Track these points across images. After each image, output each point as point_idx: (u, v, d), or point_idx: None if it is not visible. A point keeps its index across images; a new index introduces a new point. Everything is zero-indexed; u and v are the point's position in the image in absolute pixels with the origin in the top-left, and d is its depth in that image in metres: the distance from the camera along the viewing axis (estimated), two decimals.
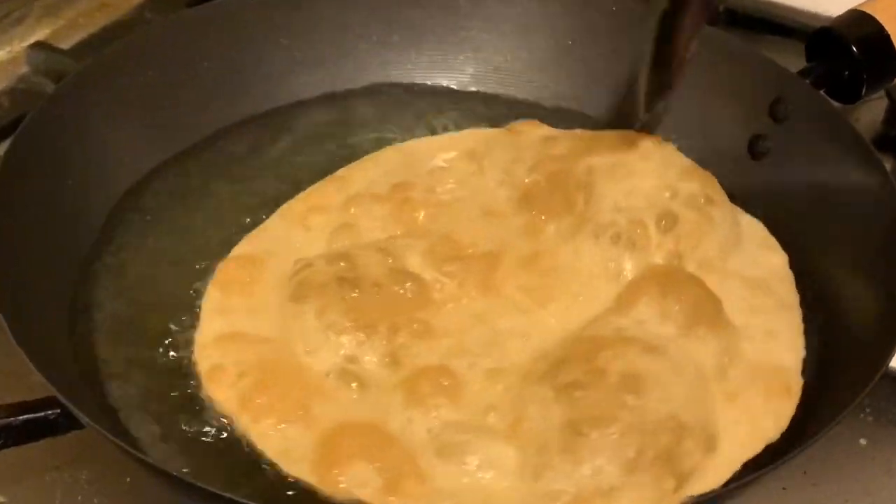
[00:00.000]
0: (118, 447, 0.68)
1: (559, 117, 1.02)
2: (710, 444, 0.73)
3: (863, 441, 0.87)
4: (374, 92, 1.05)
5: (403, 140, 1.00)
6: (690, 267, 0.85)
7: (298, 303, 0.81)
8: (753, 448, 0.75)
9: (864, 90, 0.99)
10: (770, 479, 0.80)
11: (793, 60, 1.00)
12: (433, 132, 1.02)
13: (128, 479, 0.80)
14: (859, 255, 0.86)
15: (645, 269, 0.84)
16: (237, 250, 0.88)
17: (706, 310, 0.81)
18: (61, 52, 1.10)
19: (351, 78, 1.05)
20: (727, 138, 0.98)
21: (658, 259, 0.85)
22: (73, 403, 0.68)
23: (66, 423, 0.72)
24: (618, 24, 1.03)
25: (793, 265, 0.89)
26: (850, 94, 1.00)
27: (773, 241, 0.90)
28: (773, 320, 0.84)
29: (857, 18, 0.99)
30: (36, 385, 0.71)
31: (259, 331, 0.81)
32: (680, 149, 0.93)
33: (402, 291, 0.82)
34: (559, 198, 0.89)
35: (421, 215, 0.90)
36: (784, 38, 1.19)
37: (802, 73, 0.98)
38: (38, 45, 1.11)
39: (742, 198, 0.94)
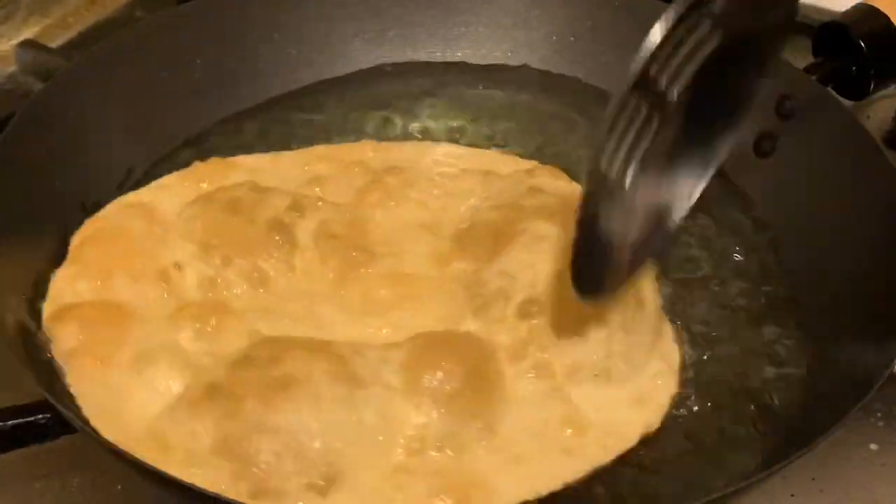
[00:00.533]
0: (113, 452, 0.67)
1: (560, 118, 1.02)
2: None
3: (873, 446, 0.85)
4: (368, 86, 1.05)
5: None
6: (528, 363, 0.78)
7: (190, 206, 0.86)
8: None
9: (872, 86, 0.99)
10: (778, 485, 0.80)
11: (799, 56, 0.99)
12: (425, 128, 1.02)
13: (119, 486, 0.79)
14: (866, 254, 0.85)
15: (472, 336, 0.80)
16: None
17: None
18: (50, 50, 1.09)
19: (344, 72, 1.05)
20: None
21: (502, 338, 0.79)
22: (66, 407, 0.67)
23: (56, 428, 0.70)
24: (621, 18, 1.02)
25: (795, 264, 0.89)
26: (858, 91, 0.99)
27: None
28: None
29: (865, 13, 0.98)
30: (25, 389, 0.69)
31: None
32: None
33: (271, 236, 0.84)
34: (485, 245, 0.85)
35: (374, 197, 0.90)
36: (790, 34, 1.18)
37: (809, 70, 0.97)
38: (27, 44, 1.10)
39: (748, 196, 0.94)
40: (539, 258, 0.81)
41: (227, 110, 1.00)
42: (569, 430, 0.75)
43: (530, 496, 0.72)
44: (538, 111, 1.04)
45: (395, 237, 0.88)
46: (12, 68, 1.11)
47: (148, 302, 0.80)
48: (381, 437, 0.72)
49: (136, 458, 0.66)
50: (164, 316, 0.79)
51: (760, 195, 0.94)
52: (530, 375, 0.77)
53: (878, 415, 0.87)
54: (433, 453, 0.72)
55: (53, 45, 1.14)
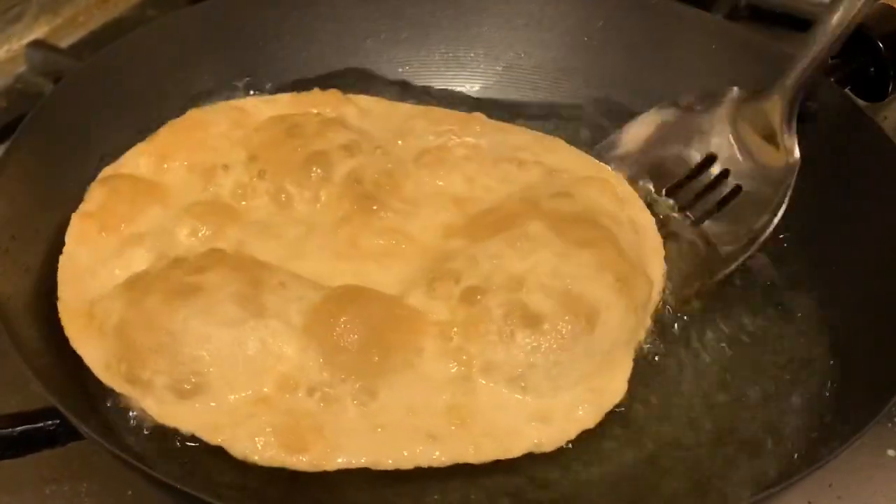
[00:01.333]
0: (121, 460, 0.66)
1: (573, 116, 1.02)
2: None
3: (891, 452, 0.85)
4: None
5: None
6: (452, 346, 0.78)
7: (266, 121, 0.93)
8: None
9: (890, 88, 0.98)
10: (795, 492, 0.79)
11: None
12: None
13: (129, 492, 0.78)
14: (884, 256, 0.84)
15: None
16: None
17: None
18: (60, 50, 1.09)
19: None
20: None
21: (439, 315, 0.78)
22: (74, 414, 0.67)
23: (65, 435, 0.70)
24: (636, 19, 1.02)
25: (814, 266, 0.88)
26: (877, 92, 0.99)
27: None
28: None
29: (884, 14, 0.98)
30: (33, 395, 0.69)
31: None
32: None
33: (310, 166, 0.88)
34: (487, 229, 0.85)
35: (428, 158, 0.92)
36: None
37: (827, 71, 0.95)
38: (37, 44, 1.10)
39: None
40: (509, 253, 0.81)
41: None
42: (455, 419, 0.75)
43: (369, 465, 0.72)
44: None
45: (421, 200, 0.89)
46: (22, 69, 1.11)
47: (183, 192, 0.87)
48: (256, 366, 0.74)
49: (142, 466, 0.66)
50: (184, 207, 0.85)
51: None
52: (448, 357, 0.77)
53: None
54: (302, 396, 0.74)
55: (63, 45, 1.13)
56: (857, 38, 0.97)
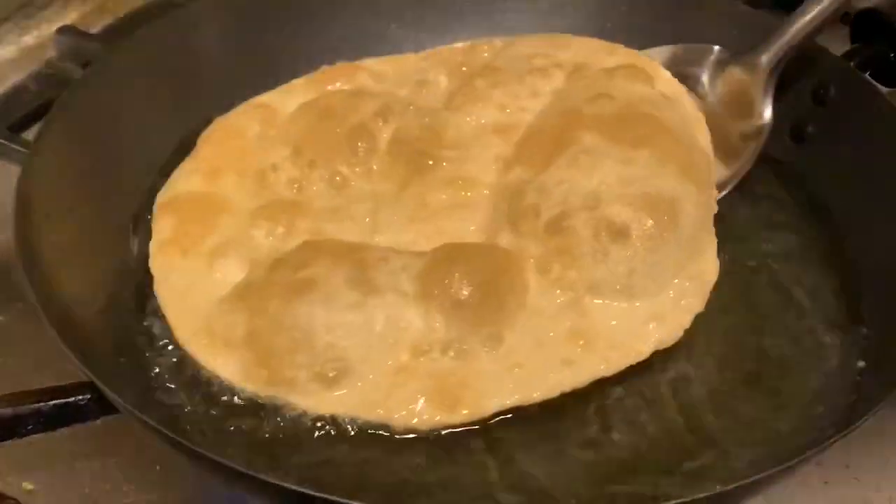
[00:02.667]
0: (153, 430, 0.67)
1: None
2: None
3: None
4: None
5: None
6: (553, 276, 0.81)
7: (294, 112, 0.94)
8: None
9: None
10: (812, 473, 0.80)
11: (836, 43, 0.99)
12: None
13: (158, 467, 0.80)
14: None
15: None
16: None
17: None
18: (89, 36, 1.09)
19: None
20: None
21: (532, 250, 0.81)
22: (111, 388, 0.68)
23: (96, 409, 0.71)
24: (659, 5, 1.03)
25: (835, 250, 0.88)
26: None
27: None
28: None
29: None
30: (65, 371, 0.70)
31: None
32: None
33: (354, 142, 0.89)
34: (542, 152, 0.87)
35: (458, 101, 0.94)
36: None
37: (846, 56, 0.96)
38: (66, 30, 1.10)
39: (785, 181, 0.94)
40: (574, 174, 0.83)
41: None
42: (579, 342, 0.78)
43: (521, 402, 0.75)
44: None
45: (467, 142, 0.91)
46: (51, 54, 1.11)
47: (243, 199, 0.88)
48: (388, 339, 0.77)
49: (173, 436, 0.67)
50: (250, 212, 0.86)
51: (796, 180, 0.94)
52: (553, 287, 0.80)
53: None
54: (437, 356, 0.77)
55: (93, 30, 1.13)
56: (877, 24, 0.97)
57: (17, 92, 1.00)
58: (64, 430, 0.72)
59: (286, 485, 0.64)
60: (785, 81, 0.94)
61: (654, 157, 0.83)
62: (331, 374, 0.75)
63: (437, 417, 0.74)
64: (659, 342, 0.79)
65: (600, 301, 0.80)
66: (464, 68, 0.97)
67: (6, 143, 0.95)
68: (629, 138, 0.84)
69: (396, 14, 1.05)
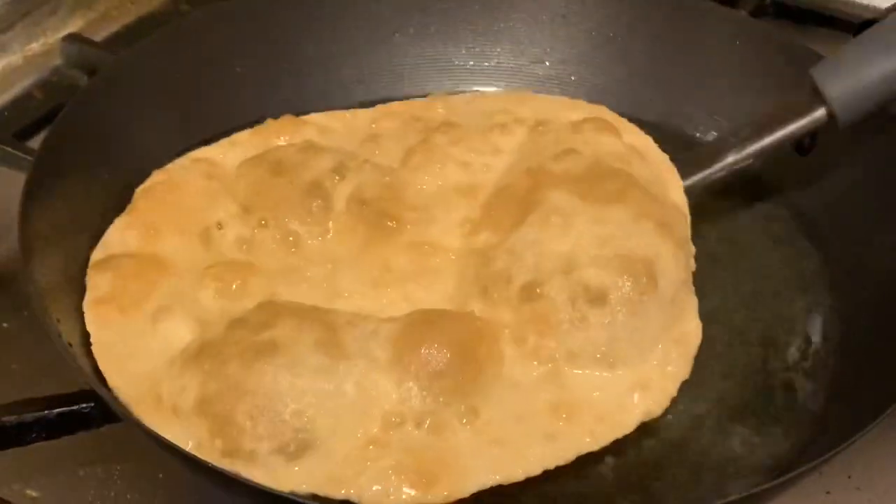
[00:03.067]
0: (155, 439, 0.67)
1: None
2: None
3: None
4: None
5: None
6: (528, 346, 0.77)
7: (241, 166, 0.89)
8: None
9: None
10: (814, 482, 0.79)
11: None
12: None
13: (161, 475, 0.79)
14: None
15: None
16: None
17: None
18: (95, 44, 1.10)
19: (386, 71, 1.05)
20: None
21: (506, 318, 0.78)
22: (110, 397, 0.68)
23: (100, 417, 0.72)
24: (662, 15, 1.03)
25: (836, 260, 0.89)
26: None
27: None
28: None
29: None
30: (69, 378, 0.71)
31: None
32: None
33: (309, 200, 0.85)
34: (509, 214, 0.84)
35: (417, 159, 0.90)
36: (832, 30, 1.18)
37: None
38: (72, 37, 1.11)
39: (788, 192, 0.94)
40: (546, 236, 0.80)
41: (270, 106, 0.99)
42: (562, 415, 0.74)
43: (503, 481, 0.71)
44: None
45: (430, 202, 0.87)
46: (57, 61, 1.12)
47: (186, 258, 0.82)
48: (358, 409, 0.72)
49: (176, 446, 0.67)
50: (195, 272, 0.81)
51: (798, 191, 0.94)
52: (530, 359, 0.76)
53: None
54: (411, 429, 0.72)
55: (98, 38, 1.14)
56: None
57: (23, 99, 1.01)
58: (68, 438, 0.72)
59: (289, 495, 0.64)
60: (787, 91, 0.93)
61: (629, 215, 0.80)
62: (294, 447, 0.70)
63: (415, 498, 0.69)
64: (646, 413, 0.76)
65: (580, 371, 0.76)
66: (418, 123, 0.94)
67: (12, 150, 0.95)
68: (601, 195, 0.81)
69: (399, 24, 1.05)
